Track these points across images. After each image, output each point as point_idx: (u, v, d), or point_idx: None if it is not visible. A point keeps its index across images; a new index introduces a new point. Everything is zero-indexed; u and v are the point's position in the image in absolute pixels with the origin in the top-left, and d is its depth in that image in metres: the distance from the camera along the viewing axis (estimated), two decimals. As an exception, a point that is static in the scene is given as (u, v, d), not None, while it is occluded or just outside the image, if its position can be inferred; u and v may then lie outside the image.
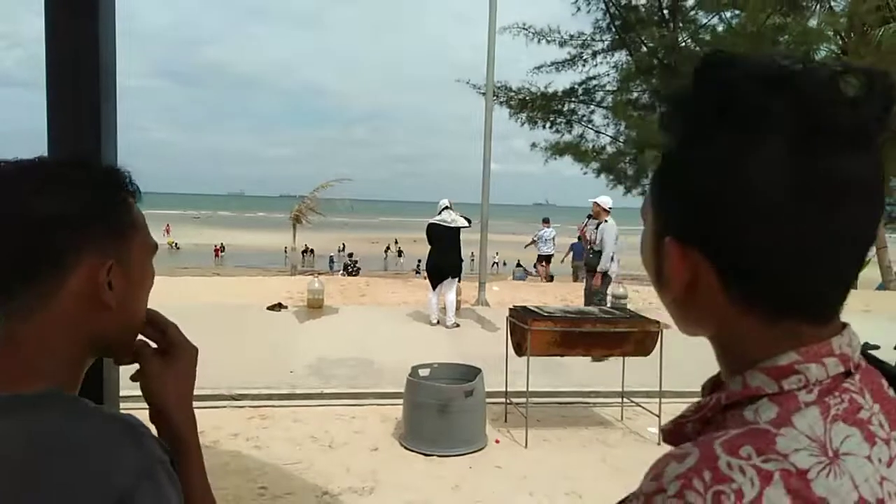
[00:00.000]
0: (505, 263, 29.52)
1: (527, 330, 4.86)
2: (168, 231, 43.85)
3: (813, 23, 16.11)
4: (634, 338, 5.00)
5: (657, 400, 5.21)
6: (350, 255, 27.81)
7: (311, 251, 34.34)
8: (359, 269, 24.79)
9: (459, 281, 9.11)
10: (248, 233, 46.50)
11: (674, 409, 4.14)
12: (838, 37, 17.31)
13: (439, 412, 4.64)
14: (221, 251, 34.54)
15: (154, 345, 0.87)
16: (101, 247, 0.75)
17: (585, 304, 8.81)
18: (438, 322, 8.83)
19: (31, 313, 0.72)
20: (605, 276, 8.26)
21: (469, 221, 9.03)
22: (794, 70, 0.50)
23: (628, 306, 10.25)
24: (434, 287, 8.94)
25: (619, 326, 5.00)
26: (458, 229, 8.76)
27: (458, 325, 8.78)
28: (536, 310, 5.20)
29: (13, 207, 0.71)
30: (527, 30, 15.88)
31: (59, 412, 0.69)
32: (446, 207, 8.87)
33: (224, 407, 5.58)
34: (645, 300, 11.86)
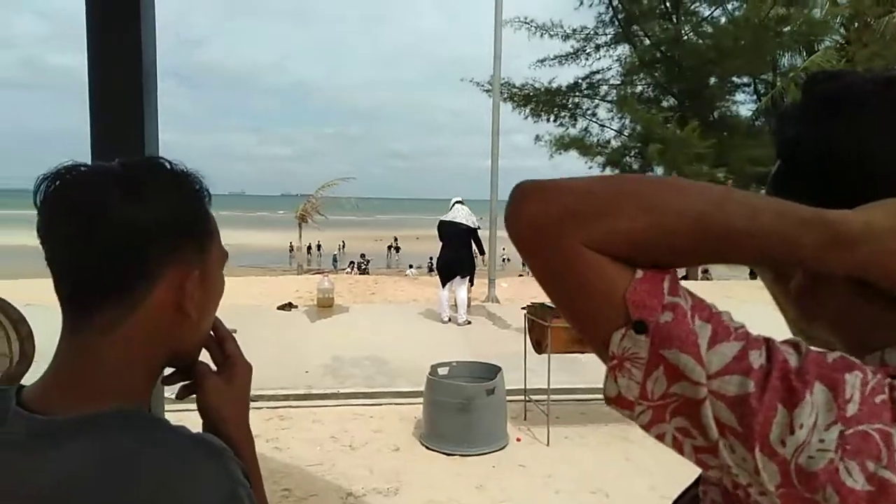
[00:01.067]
0: (509, 259, 29.52)
1: (547, 327, 4.83)
2: None
3: (816, 13, 16.06)
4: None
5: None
6: (362, 255, 27.78)
7: (319, 247, 34.37)
8: (367, 268, 24.81)
9: (471, 280, 9.06)
10: (252, 232, 46.50)
11: None
12: (842, 27, 17.24)
13: (460, 411, 4.62)
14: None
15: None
16: (187, 255, 0.73)
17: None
18: (450, 320, 8.81)
19: (115, 326, 0.69)
20: None
21: (478, 226, 8.98)
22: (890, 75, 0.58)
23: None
24: (444, 284, 8.92)
25: (640, 322, 4.97)
26: (468, 227, 8.74)
27: (469, 323, 8.76)
28: (555, 307, 5.16)
29: (101, 215, 0.67)
30: (529, 24, 15.82)
31: (139, 433, 0.67)
32: (458, 202, 8.82)
33: (242, 409, 5.56)
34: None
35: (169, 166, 0.75)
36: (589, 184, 0.53)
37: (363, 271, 23.26)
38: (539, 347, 5.08)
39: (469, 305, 9.12)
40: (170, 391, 0.88)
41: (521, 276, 20.56)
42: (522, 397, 5.56)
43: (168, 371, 0.81)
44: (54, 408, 0.68)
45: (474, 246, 8.91)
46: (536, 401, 5.45)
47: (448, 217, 8.76)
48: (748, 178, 17.32)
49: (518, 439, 4.96)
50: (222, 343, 0.84)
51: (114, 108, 1.35)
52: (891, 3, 15.32)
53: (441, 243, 8.92)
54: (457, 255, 8.72)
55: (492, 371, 4.91)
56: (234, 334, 0.90)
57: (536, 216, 0.51)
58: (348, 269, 22.94)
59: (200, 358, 0.83)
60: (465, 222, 8.72)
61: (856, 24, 16.41)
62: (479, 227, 8.99)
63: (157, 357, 0.74)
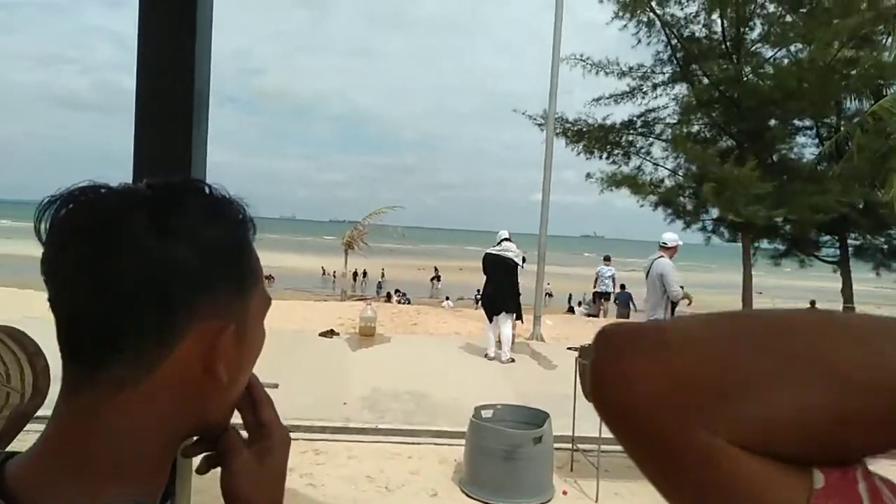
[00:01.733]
0: (551, 295, 29.06)
1: (599, 374, 4.55)
2: None
3: (886, 56, 15.47)
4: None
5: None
6: (396, 290, 27.78)
7: (365, 274, 34.56)
8: (409, 298, 24.75)
9: (518, 317, 8.78)
10: (299, 256, 47.20)
11: None
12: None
13: (505, 459, 4.36)
14: (271, 279, 35.09)
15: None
16: (222, 303, 0.56)
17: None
18: (495, 357, 8.56)
19: (125, 388, 0.53)
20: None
21: (524, 259, 8.77)
22: None
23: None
24: (490, 319, 8.70)
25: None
26: (514, 263, 8.52)
27: (513, 361, 8.49)
28: (609, 352, 4.89)
29: (118, 247, 0.52)
30: (584, 61, 15.64)
31: None
32: (505, 238, 8.66)
33: (278, 439, 5.42)
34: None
35: (207, 190, 0.59)
36: (718, 334, 0.34)
37: (401, 301, 23.26)
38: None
39: (513, 342, 8.85)
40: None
41: (567, 312, 20.17)
42: (570, 446, 5.26)
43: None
44: (42, 493, 0.51)
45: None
46: (584, 451, 5.15)
47: (495, 250, 8.58)
48: (809, 224, 16.62)
49: (564, 492, 4.66)
50: (257, 407, 0.66)
51: (160, 130, 1.23)
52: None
53: (486, 276, 8.72)
54: (502, 289, 8.51)
55: (539, 417, 4.65)
56: (275, 388, 0.73)
57: (645, 393, 0.33)
58: (396, 298, 22.92)
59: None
60: (513, 257, 8.52)
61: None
62: (524, 265, 8.77)
63: (177, 429, 0.58)
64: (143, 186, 0.56)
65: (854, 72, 15.33)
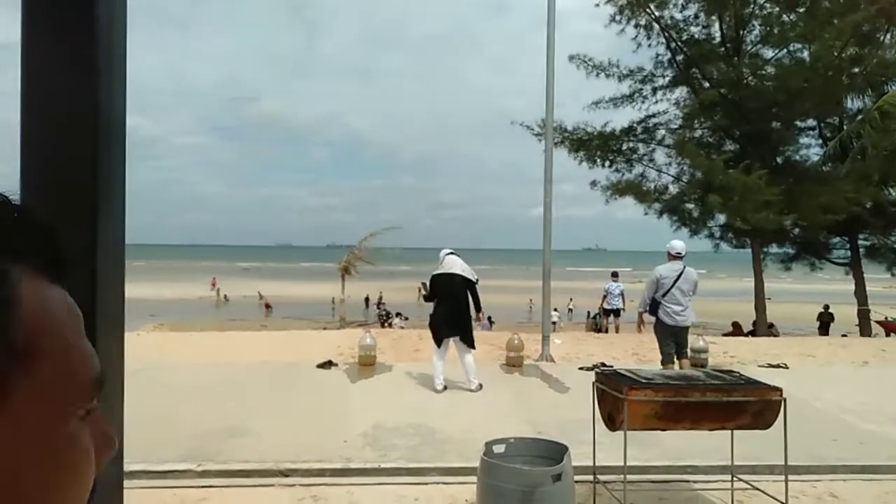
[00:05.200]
0: (556, 309, 28.59)
1: (622, 400, 4.09)
2: (214, 285, 44.03)
3: (889, 54, 15.18)
4: (752, 409, 4.16)
5: (779, 477, 4.34)
6: (386, 310, 27.35)
7: (367, 300, 34.14)
8: (390, 321, 24.32)
9: (472, 346, 7.84)
10: (296, 283, 46.73)
11: (802, 490, 3.22)
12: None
13: (522, 500, 3.88)
14: (269, 308, 34.57)
15: None
16: None
17: (663, 361, 8.07)
18: (445, 388, 7.68)
19: None
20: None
21: (476, 278, 7.98)
22: None
23: (709, 361, 9.38)
24: (438, 344, 7.88)
25: (734, 395, 4.18)
26: (465, 278, 7.79)
27: (481, 387, 7.68)
28: (631, 375, 4.43)
29: None
30: (586, 62, 15.33)
31: None
32: (449, 253, 8.04)
33: (272, 486, 4.94)
34: (725, 353, 10.87)
35: None
36: None
37: (385, 323, 22.88)
38: (612, 423, 4.33)
39: (521, 364, 8.31)
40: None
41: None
42: (591, 478, 4.77)
43: None
44: None
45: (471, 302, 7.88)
46: (607, 483, 4.67)
47: (442, 270, 7.90)
48: (819, 226, 16.21)
49: (589, 534, 4.17)
50: None
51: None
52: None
53: (436, 299, 7.96)
54: (451, 311, 7.77)
55: (557, 451, 4.17)
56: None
57: None
58: (398, 323, 22.47)
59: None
60: (461, 273, 7.81)
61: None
62: (477, 280, 7.98)
63: None
64: None
65: (857, 70, 15.05)
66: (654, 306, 7.75)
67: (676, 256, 7.76)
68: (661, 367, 7.65)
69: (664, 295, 7.63)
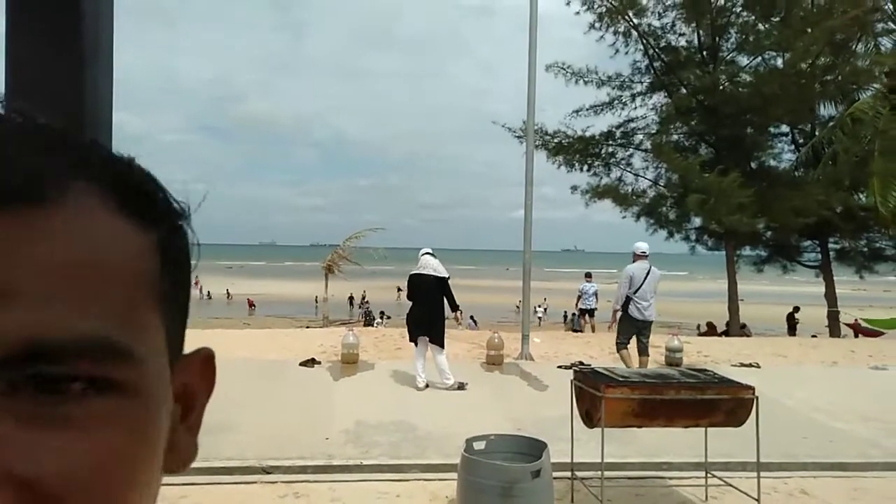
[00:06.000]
0: (540, 306, 28.88)
1: (599, 398, 4.23)
2: (197, 283, 43.65)
3: (860, 63, 15.59)
4: (725, 406, 4.32)
5: (751, 474, 4.50)
6: (382, 313, 27.46)
7: (351, 299, 34.12)
8: (372, 320, 24.40)
9: (443, 347, 7.92)
10: (280, 282, 46.47)
11: (774, 487, 3.37)
12: (883, 76, 16.74)
13: (501, 495, 3.99)
14: (253, 307, 34.44)
15: None
16: None
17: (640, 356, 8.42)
18: (427, 385, 7.78)
19: None
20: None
21: (448, 276, 8.08)
22: None
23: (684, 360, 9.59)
24: (413, 340, 8.03)
25: (708, 393, 4.34)
26: (437, 276, 7.89)
27: (458, 386, 7.78)
28: (608, 373, 4.57)
29: None
30: (565, 69, 15.53)
31: None
32: (426, 253, 8.16)
33: (254, 482, 5.00)
34: (699, 352, 11.10)
35: None
36: None
37: (368, 322, 22.94)
38: (590, 420, 4.47)
39: (501, 363, 8.43)
40: None
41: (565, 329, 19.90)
42: (569, 474, 4.90)
43: None
44: None
45: (446, 301, 8.03)
46: (584, 479, 4.80)
47: (417, 270, 8.03)
48: (791, 229, 16.58)
49: (567, 528, 4.30)
50: None
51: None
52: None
53: (412, 299, 8.10)
54: (422, 310, 7.89)
55: (536, 448, 4.28)
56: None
57: None
58: (381, 322, 22.53)
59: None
60: (433, 273, 7.92)
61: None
62: (448, 277, 8.08)
63: None
64: None
65: (830, 78, 15.42)
66: (625, 302, 8.42)
67: (642, 256, 8.49)
68: (616, 353, 8.70)
69: (636, 292, 8.33)
